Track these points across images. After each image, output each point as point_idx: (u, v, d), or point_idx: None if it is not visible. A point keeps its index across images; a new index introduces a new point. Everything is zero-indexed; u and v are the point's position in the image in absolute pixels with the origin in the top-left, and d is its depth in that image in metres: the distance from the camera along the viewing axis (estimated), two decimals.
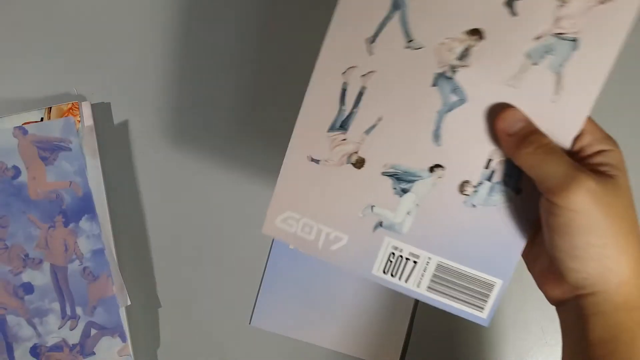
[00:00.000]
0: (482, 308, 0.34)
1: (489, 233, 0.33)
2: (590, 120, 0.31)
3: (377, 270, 0.34)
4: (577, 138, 0.30)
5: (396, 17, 0.31)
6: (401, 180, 0.33)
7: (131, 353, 0.48)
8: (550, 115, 0.30)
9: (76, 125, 0.51)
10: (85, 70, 0.55)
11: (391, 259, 0.34)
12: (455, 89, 0.31)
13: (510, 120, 0.30)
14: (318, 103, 0.33)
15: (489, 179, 0.32)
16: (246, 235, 0.51)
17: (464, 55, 0.30)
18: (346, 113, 0.33)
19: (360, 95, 0.32)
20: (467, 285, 0.34)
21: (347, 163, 0.33)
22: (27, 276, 0.46)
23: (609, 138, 0.31)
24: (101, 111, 0.54)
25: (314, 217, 0.34)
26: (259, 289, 0.51)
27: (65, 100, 0.53)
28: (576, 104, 0.30)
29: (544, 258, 0.32)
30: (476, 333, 0.48)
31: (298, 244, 0.35)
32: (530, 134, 0.29)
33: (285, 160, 0.34)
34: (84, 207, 0.48)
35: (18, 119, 0.52)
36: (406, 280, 0.34)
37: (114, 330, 0.48)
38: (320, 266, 0.51)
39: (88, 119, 0.52)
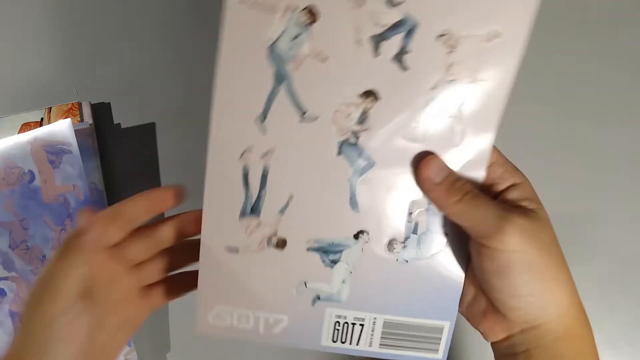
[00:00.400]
0: (437, 350, 0.34)
1: (427, 282, 0.32)
2: (498, 153, 0.31)
3: (326, 341, 0.34)
4: (487, 173, 0.31)
5: (283, 91, 0.30)
6: (328, 252, 0.32)
7: (136, 357, 0.48)
8: (458, 158, 0.30)
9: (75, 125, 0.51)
10: (85, 70, 0.55)
11: (337, 327, 0.33)
12: (362, 154, 0.30)
13: (435, 169, 0.30)
14: (221, 192, 0.31)
15: (415, 231, 0.32)
16: None
17: (362, 118, 0.30)
18: (254, 197, 0.31)
19: (264, 176, 0.31)
20: (418, 334, 0.33)
21: (269, 247, 0.32)
22: None
23: (516, 170, 0.31)
24: (101, 111, 0.54)
25: (247, 305, 0.33)
26: None
27: (65, 100, 0.54)
28: (479, 142, 0.30)
29: (479, 299, 0.32)
30: (476, 333, 0.48)
31: (237, 336, 0.33)
32: (455, 182, 0.29)
33: (201, 255, 0.32)
34: None
35: (18, 119, 0.52)
36: (357, 344, 0.34)
37: None
38: None
39: (88, 119, 0.52)
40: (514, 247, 0.27)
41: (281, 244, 0.32)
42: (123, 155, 0.53)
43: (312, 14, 0.29)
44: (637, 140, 0.50)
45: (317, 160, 0.31)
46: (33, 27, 0.57)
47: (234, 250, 0.32)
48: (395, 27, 0.28)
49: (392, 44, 0.28)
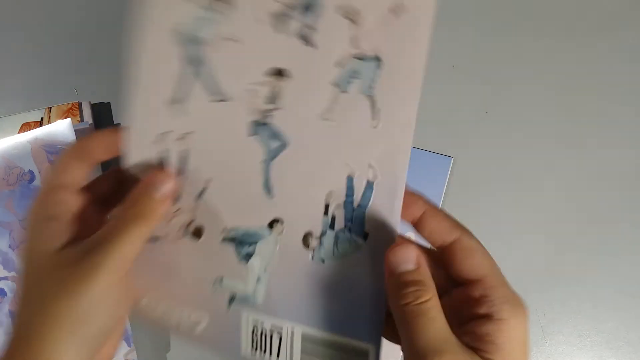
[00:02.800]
0: None
1: (346, 290, 0.29)
2: (495, 267, 0.28)
3: (245, 350, 0.31)
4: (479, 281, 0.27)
5: (197, 73, 0.29)
6: (243, 243, 0.30)
7: (136, 358, 0.48)
8: (375, 141, 0.28)
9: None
10: (85, 70, 0.55)
11: (255, 335, 0.30)
12: (274, 134, 0.29)
13: (400, 257, 0.26)
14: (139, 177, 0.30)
15: (331, 226, 0.29)
16: None
17: (273, 97, 0.29)
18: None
19: (184, 159, 0.30)
20: (341, 355, 0.30)
21: (186, 235, 0.30)
22: None
23: (519, 308, 0.26)
24: (101, 111, 0.54)
25: (170, 298, 0.31)
26: None
27: (65, 100, 0.53)
28: (397, 125, 0.28)
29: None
30: None
31: (166, 329, 0.31)
32: (411, 284, 0.25)
33: None
34: None
35: (18, 119, 0.52)
36: (277, 356, 0.30)
37: None
38: None
39: (88, 119, 0.52)
40: None
41: (198, 232, 0.30)
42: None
43: None
44: (637, 140, 0.51)
45: (231, 141, 0.29)
46: (33, 27, 0.56)
47: (153, 238, 0.30)
48: (292, 5, 0.28)
49: (296, 20, 0.28)
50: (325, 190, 0.29)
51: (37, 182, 0.48)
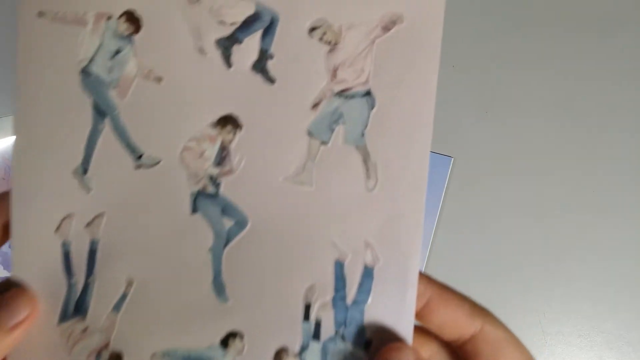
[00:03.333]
0: None
1: None
2: (434, 284, 0.22)
3: None
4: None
5: (108, 128, 0.21)
6: None
7: None
8: (373, 209, 0.21)
9: None
10: None
11: None
12: (227, 209, 0.21)
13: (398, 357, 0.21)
14: (33, 281, 0.21)
15: (316, 335, 0.21)
16: None
17: (222, 157, 0.21)
18: (79, 287, 0.22)
19: (92, 253, 0.21)
20: None
21: None
22: None
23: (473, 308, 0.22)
24: None
25: None
26: None
27: None
28: (404, 182, 0.21)
29: None
30: None
31: None
32: None
33: None
34: None
35: None
36: None
37: None
38: None
39: None
40: None
41: None
42: None
43: (133, 21, 0.21)
44: (637, 140, 0.51)
45: (164, 224, 0.21)
46: None
47: None
48: (248, 23, 0.21)
49: (249, 48, 0.21)
50: (304, 284, 0.21)
51: None
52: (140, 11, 0.21)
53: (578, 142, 0.51)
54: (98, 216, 0.21)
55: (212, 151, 0.21)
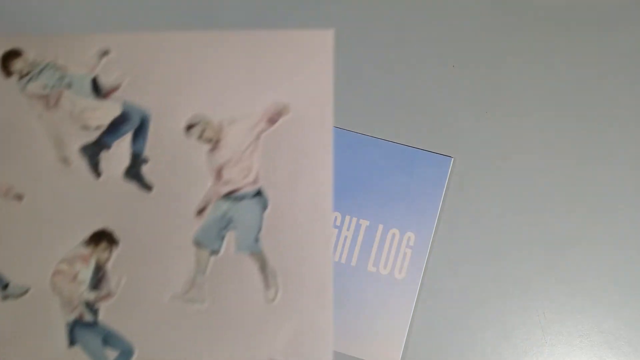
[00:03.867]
0: None
1: None
2: None
3: None
4: None
5: None
6: None
7: None
8: (278, 325, 0.19)
9: None
10: None
11: None
12: (108, 339, 0.19)
13: None
14: None
15: None
16: None
17: (98, 278, 0.19)
18: None
19: None
20: None
21: None
22: None
23: None
24: None
25: None
26: None
27: None
28: (310, 288, 0.19)
29: None
30: (476, 333, 0.48)
31: None
32: None
33: None
34: None
35: None
36: None
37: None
38: None
39: None
40: None
41: None
42: None
43: None
44: (638, 141, 0.51)
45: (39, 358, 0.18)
46: (34, 27, 0.56)
47: None
48: (115, 126, 0.18)
49: (119, 153, 0.18)
50: None
51: None
52: None
53: (578, 142, 0.51)
54: None
55: (86, 273, 0.18)
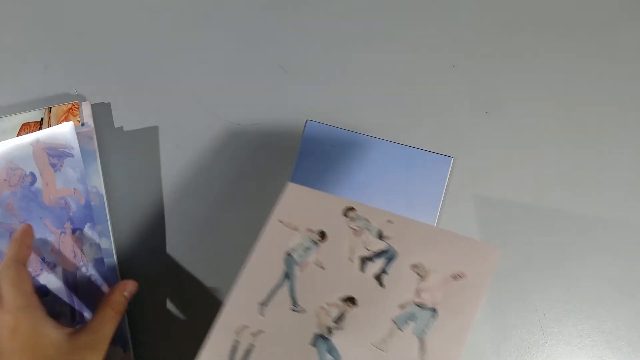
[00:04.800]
0: None
1: None
2: None
3: None
4: None
5: (286, 285, 0.36)
6: None
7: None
8: None
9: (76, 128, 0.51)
10: (85, 70, 0.55)
11: None
12: (331, 350, 0.34)
13: None
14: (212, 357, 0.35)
15: None
16: (251, 240, 0.51)
17: (339, 319, 0.34)
18: None
19: (248, 352, 0.34)
20: None
21: None
22: (43, 279, 0.47)
23: None
24: (101, 111, 0.54)
25: None
26: None
27: (65, 100, 0.53)
28: None
29: None
30: (476, 333, 0.48)
31: None
32: None
33: None
34: (87, 215, 0.48)
35: (18, 119, 0.52)
36: None
37: (116, 340, 0.48)
38: None
39: (88, 119, 0.52)
40: None
41: None
42: (123, 156, 0.53)
43: (322, 236, 0.37)
44: (638, 141, 0.51)
45: (293, 346, 0.34)
46: (33, 27, 0.56)
47: None
48: (380, 253, 0.36)
49: (376, 265, 0.35)
50: None
51: (38, 184, 0.48)
52: (328, 232, 0.37)
53: (578, 142, 0.51)
54: (260, 331, 0.35)
55: (335, 313, 0.34)
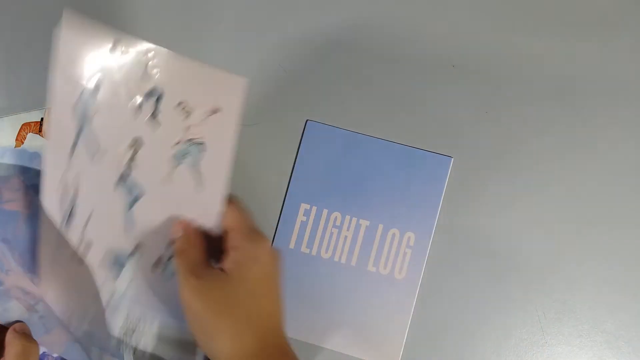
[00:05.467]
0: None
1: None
2: (240, 216, 0.38)
3: (118, 333, 0.42)
4: (227, 233, 0.37)
5: (82, 138, 0.38)
6: (117, 260, 0.40)
7: None
8: (198, 202, 0.38)
9: None
10: None
11: (127, 320, 0.42)
12: (132, 187, 0.38)
13: (174, 231, 0.38)
14: (50, 205, 0.40)
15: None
16: None
17: (132, 159, 0.38)
18: (70, 209, 0.40)
19: (75, 194, 0.39)
20: (179, 344, 0.43)
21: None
22: None
23: (251, 234, 0.37)
24: None
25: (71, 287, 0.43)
26: None
27: None
28: (213, 191, 0.37)
29: None
30: (476, 333, 0.48)
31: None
32: (177, 251, 0.37)
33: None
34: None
35: (18, 119, 0.52)
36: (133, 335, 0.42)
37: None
38: (320, 266, 0.51)
39: None
40: (184, 302, 0.35)
41: (86, 248, 0.41)
42: None
43: (97, 88, 0.38)
44: (638, 141, 0.51)
45: (104, 188, 0.38)
46: (34, 27, 0.56)
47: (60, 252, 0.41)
48: (149, 94, 0.36)
49: (149, 106, 0.37)
50: (168, 230, 0.39)
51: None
52: (102, 77, 0.38)
53: (578, 142, 0.51)
54: (78, 173, 0.39)
55: (128, 155, 0.38)
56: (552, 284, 0.48)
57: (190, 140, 0.37)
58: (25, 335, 0.39)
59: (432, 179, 0.51)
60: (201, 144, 0.37)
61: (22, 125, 0.52)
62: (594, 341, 0.47)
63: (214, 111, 0.36)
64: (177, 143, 0.37)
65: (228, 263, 0.36)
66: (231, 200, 0.38)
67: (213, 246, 0.38)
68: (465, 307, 0.49)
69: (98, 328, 0.42)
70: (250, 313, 0.35)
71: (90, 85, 0.37)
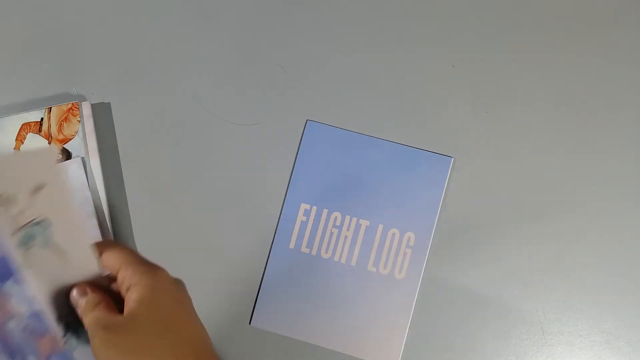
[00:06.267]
0: None
1: None
2: (124, 253, 0.35)
3: None
4: (119, 274, 0.35)
5: None
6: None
7: None
8: (73, 271, 0.35)
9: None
10: (85, 70, 0.55)
11: None
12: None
13: (74, 297, 0.35)
14: None
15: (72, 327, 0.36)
16: (246, 235, 0.51)
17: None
18: None
19: None
20: None
21: None
22: None
23: (144, 267, 0.35)
24: (101, 111, 0.54)
25: None
26: (259, 289, 0.51)
27: (65, 100, 0.53)
28: (83, 255, 0.35)
29: None
30: (476, 333, 0.48)
31: None
32: (83, 313, 0.35)
33: None
34: (4, 273, 0.43)
35: (18, 119, 0.52)
36: None
37: None
38: (320, 266, 0.51)
39: (88, 119, 0.52)
40: (96, 353, 0.33)
41: None
42: (123, 155, 0.53)
43: None
44: (638, 140, 0.51)
45: None
46: (33, 27, 0.56)
47: None
48: None
49: None
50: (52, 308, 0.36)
51: None
52: None
53: (578, 142, 0.51)
54: None
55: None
56: (552, 284, 0.48)
57: (29, 222, 0.34)
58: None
59: (432, 179, 0.51)
60: (43, 220, 0.34)
61: (22, 125, 0.52)
62: (594, 341, 0.47)
63: (39, 188, 0.34)
64: (16, 231, 0.34)
65: (131, 303, 0.34)
66: (108, 244, 0.37)
67: (115, 295, 0.36)
68: (465, 307, 0.49)
69: None
70: (173, 343, 0.33)
71: None
